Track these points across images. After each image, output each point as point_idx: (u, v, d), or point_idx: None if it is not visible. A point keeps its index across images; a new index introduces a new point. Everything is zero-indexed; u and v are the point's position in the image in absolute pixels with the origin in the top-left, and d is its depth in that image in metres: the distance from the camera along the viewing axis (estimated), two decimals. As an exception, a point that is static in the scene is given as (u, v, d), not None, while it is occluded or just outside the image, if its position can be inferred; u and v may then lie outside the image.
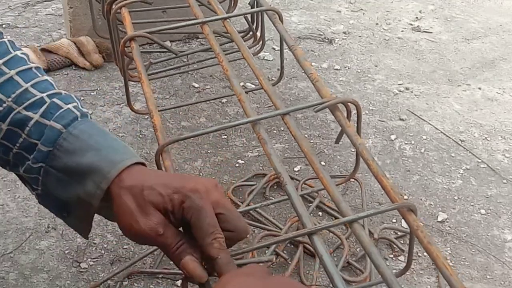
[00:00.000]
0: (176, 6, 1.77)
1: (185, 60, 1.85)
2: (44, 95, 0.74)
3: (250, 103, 0.89)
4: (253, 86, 1.82)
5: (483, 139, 1.70)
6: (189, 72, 1.87)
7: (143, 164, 0.73)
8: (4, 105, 0.73)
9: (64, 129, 0.72)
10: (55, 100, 0.74)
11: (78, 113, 0.74)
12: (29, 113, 0.72)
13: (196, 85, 1.84)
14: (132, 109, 1.39)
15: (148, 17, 1.60)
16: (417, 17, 2.31)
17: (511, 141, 1.70)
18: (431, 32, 2.22)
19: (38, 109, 0.72)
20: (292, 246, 1.32)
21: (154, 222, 0.67)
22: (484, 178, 1.57)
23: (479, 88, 1.93)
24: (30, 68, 0.76)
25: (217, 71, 1.89)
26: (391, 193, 0.77)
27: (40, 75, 0.76)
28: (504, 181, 1.56)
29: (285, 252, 1.30)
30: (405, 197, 1.47)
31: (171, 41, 2.01)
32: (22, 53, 0.78)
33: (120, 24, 1.49)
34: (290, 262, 1.27)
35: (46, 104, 0.73)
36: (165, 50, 1.88)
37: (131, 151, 0.74)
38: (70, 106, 0.74)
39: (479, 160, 1.62)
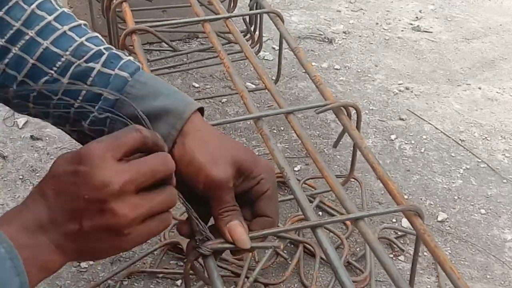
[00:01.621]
0: (176, 6, 1.78)
1: (184, 59, 1.85)
2: (101, 47, 0.73)
3: (252, 101, 0.90)
4: (253, 86, 1.82)
5: (483, 139, 1.70)
6: (190, 72, 1.87)
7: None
8: (62, 59, 0.72)
9: (130, 77, 0.71)
10: (113, 51, 0.73)
11: (138, 64, 0.74)
12: (90, 64, 0.71)
13: (196, 85, 1.84)
14: None
15: (148, 17, 1.60)
16: (417, 17, 2.31)
17: (511, 141, 1.70)
18: (431, 32, 2.22)
19: (98, 59, 0.72)
20: (292, 246, 1.32)
21: (230, 172, 0.67)
22: (484, 178, 1.57)
23: (479, 88, 1.92)
24: (80, 25, 0.75)
25: (217, 70, 1.89)
26: (397, 196, 0.77)
27: (90, 31, 0.76)
28: (504, 181, 1.56)
29: (285, 252, 1.30)
30: (405, 197, 1.47)
31: (171, 41, 2.00)
32: (67, 10, 0.77)
33: (120, 22, 1.49)
34: (290, 262, 1.27)
35: (106, 55, 0.72)
36: (164, 49, 1.89)
37: (192, 100, 0.74)
38: (129, 57, 0.74)
39: (479, 160, 1.62)
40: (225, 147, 0.69)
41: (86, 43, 0.73)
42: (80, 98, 0.72)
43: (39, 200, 0.58)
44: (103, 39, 0.77)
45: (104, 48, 0.73)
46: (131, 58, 0.74)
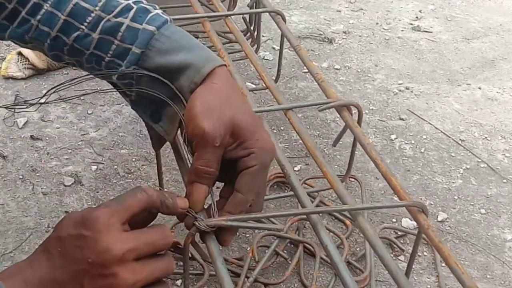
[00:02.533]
0: (176, 6, 1.77)
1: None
2: (129, 1, 0.74)
3: (252, 99, 0.90)
4: (253, 86, 1.82)
5: (483, 138, 1.70)
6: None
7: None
8: (93, 14, 0.73)
9: (156, 30, 0.72)
10: (142, 5, 0.75)
11: (167, 17, 0.75)
12: (120, 19, 0.73)
13: (196, 85, 1.84)
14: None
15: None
16: (417, 17, 2.31)
17: (511, 141, 1.70)
18: (431, 32, 2.22)
19: (127, 14, 0.73)
20: (292, 245, 1.32)
21: (221, 130, 0.67)
22: (484, 177, 1.57)
23: (479, 88, 1.92)
24: None
25: (217, 70, 1.88)
26: (401, 192, 0.77)
27: None
28: (504, 180, 1.56)
29: (285, 251, 1.30)
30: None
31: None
32: None
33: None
34: (290, 262, 1.27)
35: (134, 9, 0.74)
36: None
37: (217, 57, 0.75)
38: (158, 11, 0.75)
39: (479, 160, 1.62)
40: (230, 105, 0.68)
41: None
42: (111, 52, 0.73)
43: (43, 259, 0.60)
44: None
45: (133, 2, 0.74)
46: (159, 11, 0.76)
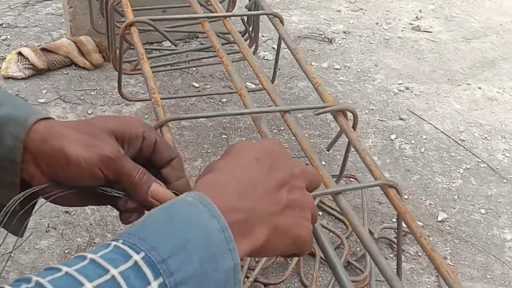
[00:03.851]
0: (176, 6, 1.78)
1: (184, 59, 1.85)
2: None
3: (251, 99, 0.89)
4: (253, 86, 1.82)
5: (483, 138, 1.70)
6: (189, 72, 1.87)
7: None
8: None
9: None
10: None
11: None
12: None
13: (196, 85, 1.84)
14: (121, 95, 1.42)
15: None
16: (417, 17, 2.31)
17: (511, 141, 1.70)
18: (431, 32, 2.22)
19: None
20: (292, 245, 1.32)
21: (112, 143, 0.63)
22: (484, 177, 1.57)
23: (479, 88, 1.92)
24: None
25: (217, 70, 1.89)
26: (394, 199, 0.77)
27: None
28: (504, 180, 1.56)
29: (285, 251, 1.30)
30: (405, 196, 1.47)
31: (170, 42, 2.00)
32: None
33: (118, 21, 1.49)
34: (290, 262, 1.27)
35: None
36: (163, 48, 1.89)
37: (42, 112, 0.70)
38: None
39: (479, 160, 1.62)
40: (88, 129, 0.64)
41: None
42: None
43: (253, 164, 0.57)
44: None
45: None
46: None
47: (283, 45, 1.28)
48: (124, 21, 1.14)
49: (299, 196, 0.57)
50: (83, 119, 0.68)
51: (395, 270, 0.71)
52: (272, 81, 1.51)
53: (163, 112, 0.85)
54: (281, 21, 1.15)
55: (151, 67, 1.29)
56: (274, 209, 0.55)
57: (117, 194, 0.64)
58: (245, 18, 1.59)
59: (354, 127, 0.93)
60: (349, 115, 0.94)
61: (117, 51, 1.29)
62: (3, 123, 0.64)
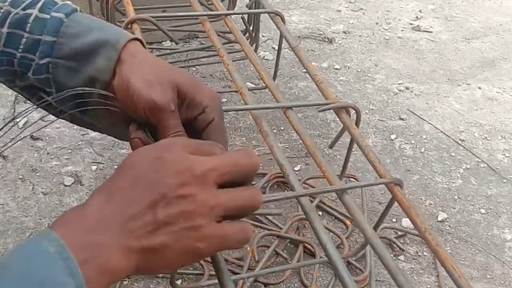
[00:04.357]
0: (176, 5, 1.78)
1: (184, 59, 1.85)
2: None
3: (251, 97, 0.89)
4: (253, 85, 1.82)
5: (483, 138, 1.70)
6: (190, 71, 1.87)
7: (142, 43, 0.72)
8: (2, 10, 0.72)
9: (65, 17, 0.71)
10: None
11: (76, 6, 0.74)
12: (28, 11, 0.71)
13: (196, 85, 1.84)
14: None
15: (148, 17, 1.60)
16: (417, 17, 2.31)
17: (511, 141, 1.70)
18: (431, 32, 2.22)
19: (35, 6, 0.72)
20: (292, 245, 1.32)
21: (169, 95, 0.65)
22: (484, 177, 1.57)
23: (479, 88, 1.92)
24: None
25: (217, 70, 1.89)
26: (398, 194, 0.78)
27: None
28: (504, 180, 1.56)
29: (285, 251, 1.30)
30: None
31: (171, 41, 2.00)
32: None
33: (119, 21, 1.49)
34: (290, 262, 1.27)
35: (42, 2, 0.72)
36: (164, 48, 1.89)
37: (129, 33, 0.73)
38: (67, 2, 0.74)
39: (479, 160, 1.62)
40: (162, 71, 0.67)
41: None
42: (21, 47, 0.71)
43: (101, 198, 0.53)
44: None
45: None
46: (68, 2, 0.74)
47: (283, 44, 1.28)
48: (124, 20, 1.14)
49: (183, 206, 0.53)
50: (164, 61, 0.70)
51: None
52: (273, 80, 1.51)
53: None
54: (283, 20, 1.15)
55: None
56: (141, 232, 0.52)
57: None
58: (246, 16, 1.59)
59: (357, 124, 0.93)
60: (351, 113, 0.94)
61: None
62: (93, 49, 0.68)
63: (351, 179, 1.49)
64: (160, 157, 0.54)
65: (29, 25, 0.71)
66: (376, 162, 0.82)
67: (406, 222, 1.40)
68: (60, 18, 0.71)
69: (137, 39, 0.71)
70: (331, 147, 1.05)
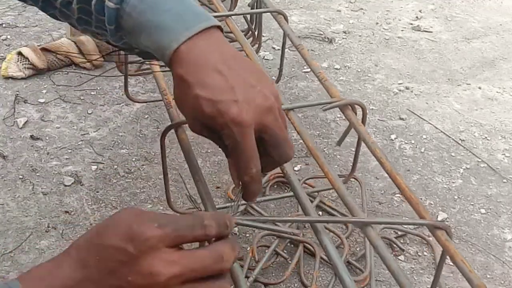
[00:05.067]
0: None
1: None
2: None
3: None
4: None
5: (483, 138, 1.70)
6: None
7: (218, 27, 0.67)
8: None
9: None
10: None
11: None
12: None
13: (196, 85, 1.84)
14: (127, 96, 1.41)
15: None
16: (417, 17, 2.31)
17: (511, 141, 1.70)
18: (431, 32, 2.22)
19: None
20: (292, 245, 1.32)
21: (251, 113, 0.62)
22: (484, 177, 1.57)
23: (479, 88, 1.92)
24: None
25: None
26: (406, 190, 0.78)
27: None
28: (504, 180, 1.56)
29: (285, 251, 1.30)
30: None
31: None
32: None
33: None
34: (290, 262, 1.27)
35: None
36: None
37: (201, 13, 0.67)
38: None
39: (479, 160, 1.62)
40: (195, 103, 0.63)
41: None
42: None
43: (76, 266, 0.54)
44: None
45: None
46: None
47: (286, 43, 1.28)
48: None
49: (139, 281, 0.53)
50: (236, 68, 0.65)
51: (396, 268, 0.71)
52: (278, 80, 1.51)
53: (177, 113, 0.83)
54: (285, 18, 1.15)
55: (147, 69, 1.29)
56: None
57: None
58: (248, 16, 1.59)
59: (363, 121, 0.93)
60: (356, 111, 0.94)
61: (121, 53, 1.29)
62: (150, 46, 0.66)
63: (351, 179, 1.49)
64: (126, 249, 0.53)
65: None
66: (383, 159, 0.82)
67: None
68: None
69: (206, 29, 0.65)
70: (339, 144, 1.04)
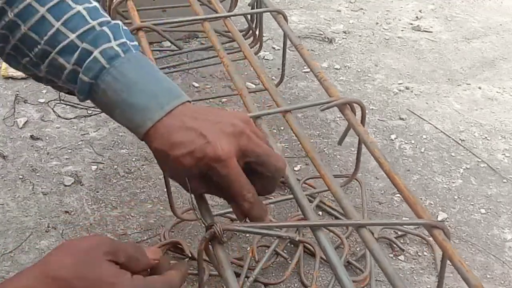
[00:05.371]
0: (176, 6, 1.78)
1: (184, 59, 1.85)
2: (74, 36, 0.70)
3: (251, 99, 0.90)
4: (253, 86, 1.82)
5: (483, 138, 1.70)
6: (190, 71, 1.87)
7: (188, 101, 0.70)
8: (39, 46, 0.71)
9: (107, 64, 0.69)
10: (84, 45, 0.70)
11: (103, 60, 0.69)
12: (63, 61, 0.70)
13: (196, 85, 1.84)
14: None
15: (148, 16, 1.60)
16: (417, 17, 2.31)
17: (511, 141, 1.70)
18: (431, 32, 2.22)
19: (71, 57, 0.70)
20: (292, 245, 1.32)
21: (233, 147, 0.66)
22: (484, 177, 1.57)
23: (479, 88, 1.92)
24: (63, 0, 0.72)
25: (217, 70, 1.89)
26: (405, 191, 0.77)
27: (73, 5, 0.72)
28: (504, 180, 1.56)
29: (285, 251, 1.30)
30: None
31: (175, 45, 2.00)
32: None
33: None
34: (290, 262, 1.27)
35: (78, 51, 0.70)
36: (164, 49, 1.89)
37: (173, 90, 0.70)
38: (96, 52, 0.69)
39: (479, 160, 1.62)
40: (176, 163, 0.67)
41: (62, 28, 0.71)
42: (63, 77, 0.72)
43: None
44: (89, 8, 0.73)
45: (77, 36, 0.70)
46: (99, 50, 0.70)
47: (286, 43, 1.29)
48: (126, 23, 1.14)
49: None
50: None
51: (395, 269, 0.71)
52: (281, 81, 1.51)
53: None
54: (285, 18, 1.16)
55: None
56: None
57: None
58: (249, 16, 1.59)
59: (362, 119, 0.92)
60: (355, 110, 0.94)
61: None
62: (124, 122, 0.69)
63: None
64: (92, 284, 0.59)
65: (64, 75, 0.71)
66: (382, 159, 0.82)
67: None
68: (103, 64, 0.68)
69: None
70: (340, 144, 1.04)
